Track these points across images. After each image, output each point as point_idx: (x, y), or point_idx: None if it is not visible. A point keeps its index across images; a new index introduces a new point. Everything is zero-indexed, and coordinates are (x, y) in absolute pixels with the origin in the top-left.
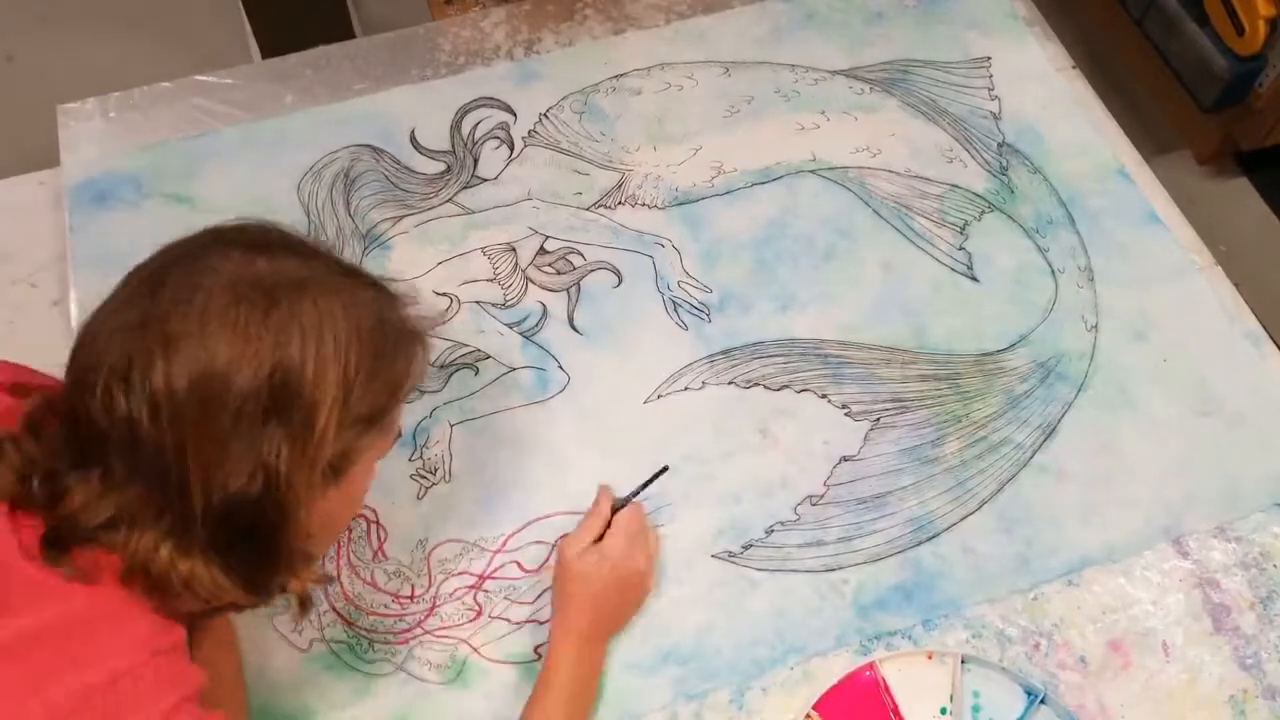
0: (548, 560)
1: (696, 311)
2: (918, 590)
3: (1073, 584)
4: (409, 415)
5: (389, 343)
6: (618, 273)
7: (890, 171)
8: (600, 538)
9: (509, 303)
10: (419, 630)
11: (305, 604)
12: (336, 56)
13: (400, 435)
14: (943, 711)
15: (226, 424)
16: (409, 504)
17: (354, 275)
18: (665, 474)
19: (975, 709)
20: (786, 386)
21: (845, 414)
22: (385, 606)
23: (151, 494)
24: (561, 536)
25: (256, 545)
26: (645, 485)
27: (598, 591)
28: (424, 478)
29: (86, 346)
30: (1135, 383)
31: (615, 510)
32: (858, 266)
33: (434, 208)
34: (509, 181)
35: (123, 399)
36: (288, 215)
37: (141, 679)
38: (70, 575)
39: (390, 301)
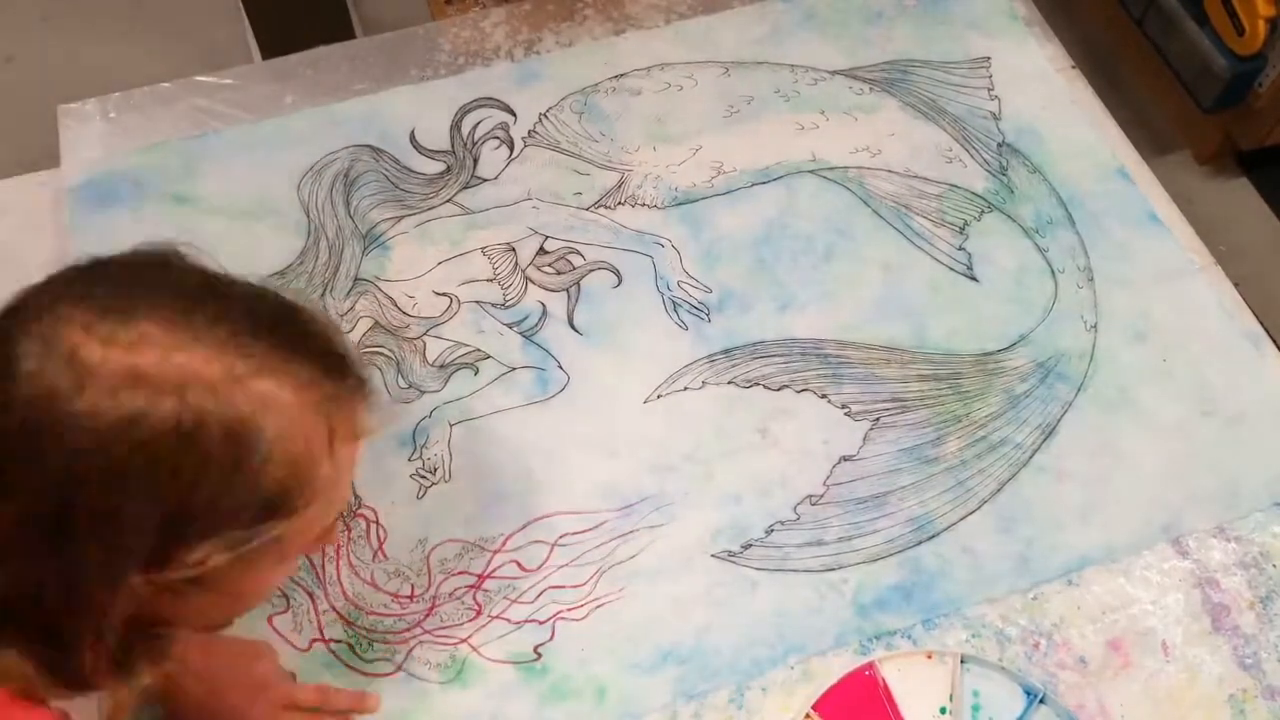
0: (547, 560)
1: (696, 311)
2: (917, 590)
3: (1072, 584)
4: (409, 416)
5: (271, 456)
6: (617, 273)
7: (890, 171)
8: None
9: (509, 303)
10: (419, 630)
11: (119, 710)
12: (336, 56)
13: (331, 535)
14: (942, 711)
15: (10, 521)
16: (409, 504)
17: (276, 358)
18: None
19: (975, 708)
20: (786, 386)
21: (845, 414)
22: (385, 606)
23: None
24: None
25: (54, 646)
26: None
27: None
28: (424, 477)
29: None
30: (1135, 383)
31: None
32: (857, 266)
33: (434, 208)
34: (509, 181)
35: None
36: (288, 215)
37: None
38: None
39: (319, 396)
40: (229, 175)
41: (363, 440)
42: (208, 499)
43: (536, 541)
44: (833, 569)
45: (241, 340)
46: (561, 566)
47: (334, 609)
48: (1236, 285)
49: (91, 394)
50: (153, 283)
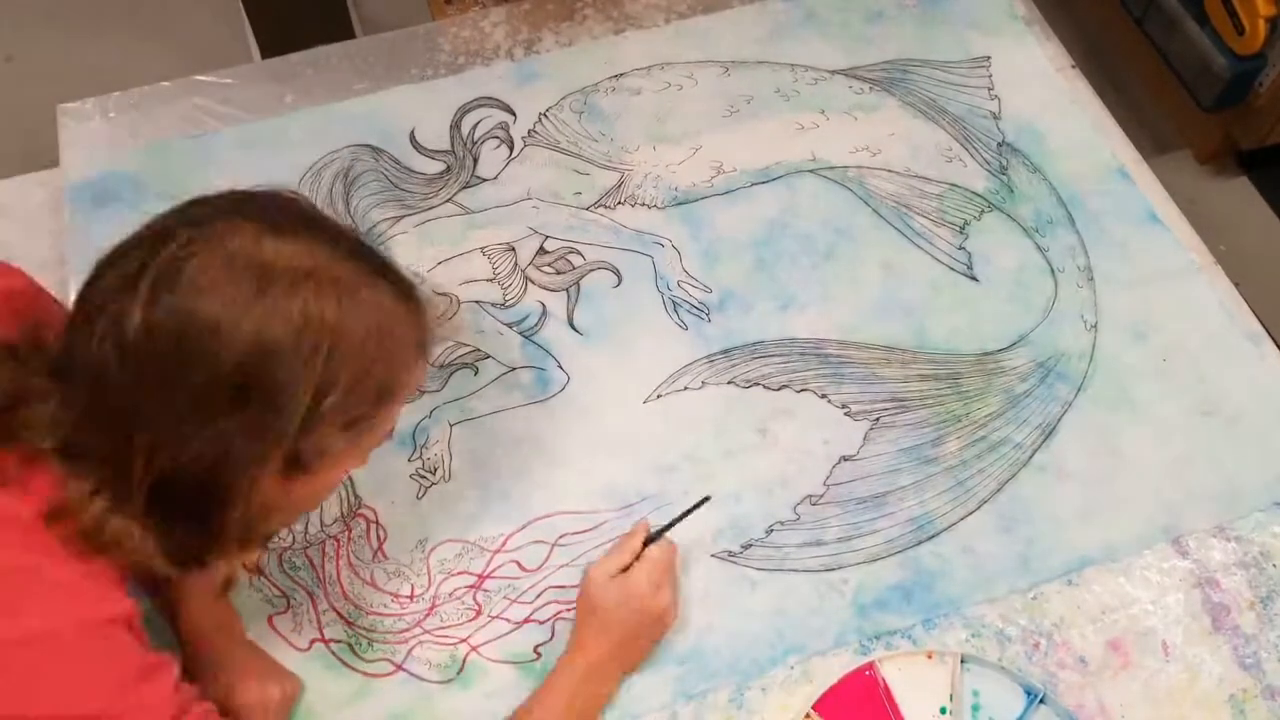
0: (547, 560)
1: (696, 311)
2: (917, 590)
3: (1072, 583)
4: (408, 415)
5: (386, 351)
6: (617, 272)
7: (890, 171)
8: (628, 568)
9: (509, 302)
10: (418, 630)
11: (229, 584)
12: (336, 56)
13: (390, 437)
14: (942, 711)
15: (189, 393)
16: (409, 504)
17: (375, 275)
18: (704, 504)
19: (975, 708)
20: (786, 386)
21: (845, 414)
22: (385, 606)
23: (101, 441)
24: (592, 564)
25: (194, 520)
26: (683, 517)
27: (617, 623)
28: (424, 477)
29: (92, 279)
30: (1135, 383)
31: (648, 543)
32: (857, 266)
33: (434, 208)
34: (509, 181)
35: (98, 338)
36: None
37: (63, 651)
38: None
39: (407, 309)
40: (229, 175)
41: (433, 350)
42: (349, 380)
43: (536, 541)
44: (833, 569)
45: (360, 256)
46: (561, 566)
47: (334, 609)
48: (1236, 285)
49: (274, 290)
50: (286, 208)
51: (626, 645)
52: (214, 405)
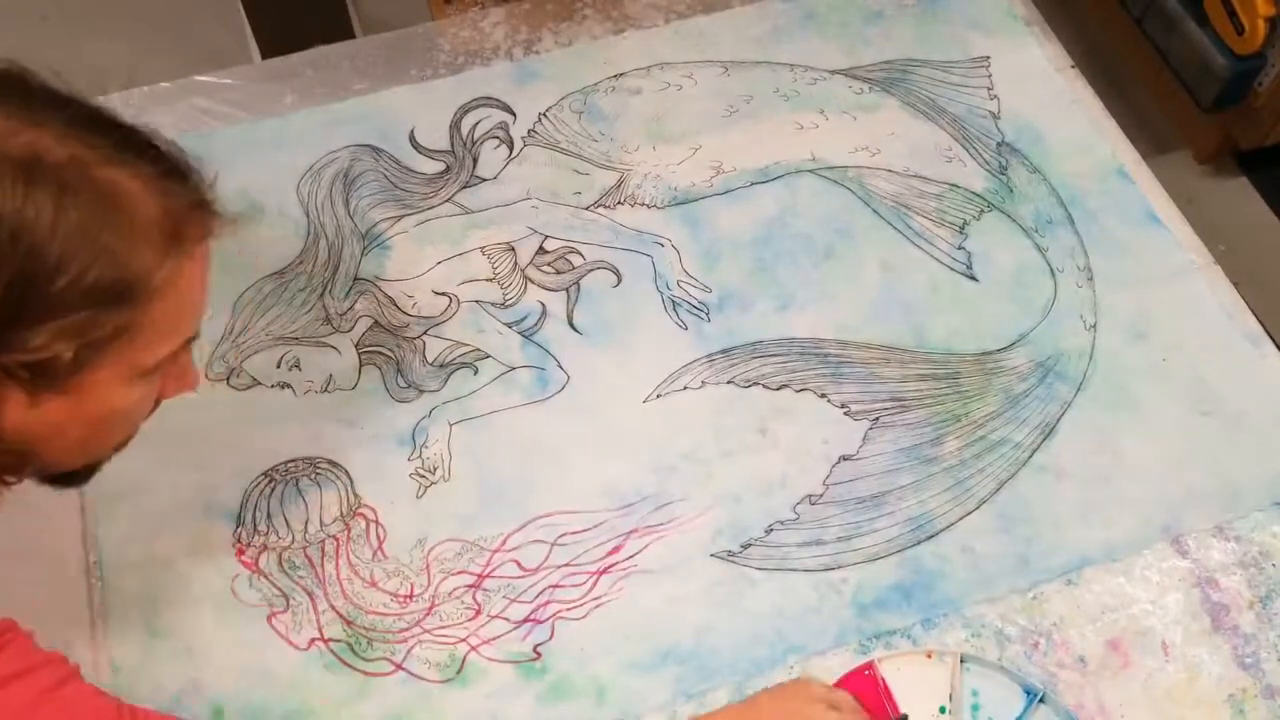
0: (547, 559)
1: (696, 311)
2: (917, 589)
3: (1072, 583)
4: (408, 415)
5: (106, 241)
6: (617, 272)
7: (889, 171)
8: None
9: (508, 302)
10: (418, 629)
11: None
12: (336, 56)
13: (187, 366)
14: (942, 710)
15: None
16: (408, 503)
17: (110, 149)
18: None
19: (974, 708)
20: (786, 386)
21: (844, 413)
22: (384, 605)
23: None
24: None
25: None
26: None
27: None
28: (423, 477)
29: None
30: (1134, 382)
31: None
32: (857, 266)
33: (433, 207)
34: (508, 181)
35: None
36: (287, 215)
37: None
38: None
39: (152, 188)
40: (228, 175)
41: (209, 240)
42: (47, 273)
43: (536, 541)
44: (832, 569)
45: (86, 133)
46: (561, 566)
47: (334, 608)
48: (1236, 285)
49: None
50: None
51: None
52: None
